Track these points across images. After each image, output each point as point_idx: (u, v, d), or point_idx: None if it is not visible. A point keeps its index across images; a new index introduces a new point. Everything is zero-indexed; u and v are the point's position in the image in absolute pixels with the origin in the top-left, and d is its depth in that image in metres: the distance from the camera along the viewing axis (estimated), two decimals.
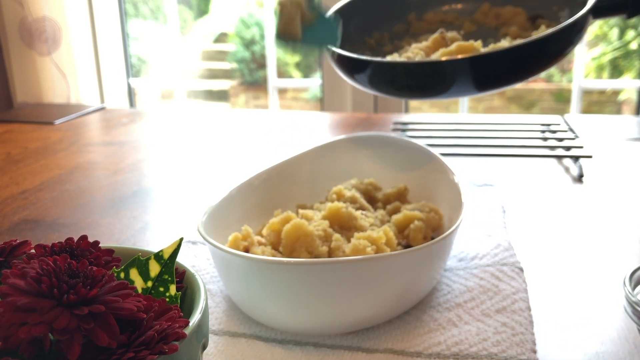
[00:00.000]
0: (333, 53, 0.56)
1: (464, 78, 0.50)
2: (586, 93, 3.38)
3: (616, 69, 3.35)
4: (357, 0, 0.62)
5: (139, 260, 0.32)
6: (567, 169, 0.85)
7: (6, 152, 1.00)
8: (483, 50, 0.51)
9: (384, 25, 0.62)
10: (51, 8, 1.57)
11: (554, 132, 0.99)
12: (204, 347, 0.31)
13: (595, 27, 3.15)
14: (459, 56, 0.49)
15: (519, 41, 0.49)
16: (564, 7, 0.56)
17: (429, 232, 0.55)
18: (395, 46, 0.62)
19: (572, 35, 0.48)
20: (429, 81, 0.52)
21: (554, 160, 0.88)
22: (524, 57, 0.48)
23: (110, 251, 0.34)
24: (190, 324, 0.29)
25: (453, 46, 0.53)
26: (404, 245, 0.53)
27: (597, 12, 0.49)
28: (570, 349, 0.44)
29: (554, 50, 0.49)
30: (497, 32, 0.59)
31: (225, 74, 4.35)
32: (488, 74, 0.51)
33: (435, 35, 0.56)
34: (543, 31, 0.54)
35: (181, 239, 0.33)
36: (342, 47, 0.59)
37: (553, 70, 3.83)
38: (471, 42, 0.53)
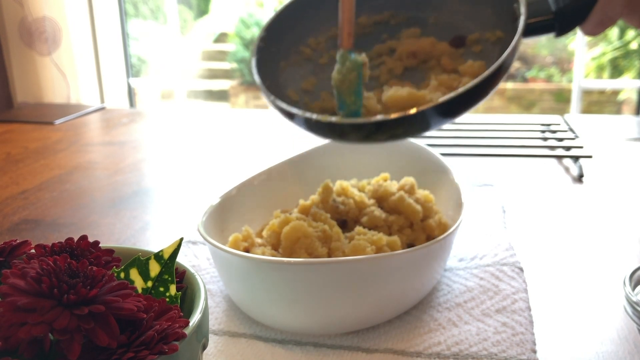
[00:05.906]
0: (269, 98, 0.51)
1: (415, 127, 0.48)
2: (586, 93, 3.38)
3: (616, 69, 3.35)
4: (291, 6, 0.59)
5: (139, 260, 0.32)
6: (567, 169, 0.85)
7: (6, 152, 1.00)
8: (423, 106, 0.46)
9: (320, 29, 0.59)
10: (51, 8, 1.57)
11: (554, 132, 0.99)
12: (204, 347, 0.31)
13: None
14: (407, 112, 0.45)
15: (475, 80, 0.45)
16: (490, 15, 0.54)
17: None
18: (331, 57, 0.58)
19: (509, 61, 0.47)
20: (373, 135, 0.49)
21: (554, 160, 0.88)
22: (478, 91, 0.46)
23: (110, 251, 0.34)
24: (190, 324, 0.29)
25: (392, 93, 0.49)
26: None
27: (527, 32, 0.49)
28: (570, 349, 0.44)
29: (496, 79, 0.47)
30: (422, 70, 0.55)
31: (225, 74, 4.35)
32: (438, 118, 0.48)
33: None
34: (477, 49, 0.53)
35: (181, 239, 0.33)
36: (276, 63, 0.56)
37: (553, 70, 3.83)
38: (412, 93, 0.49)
